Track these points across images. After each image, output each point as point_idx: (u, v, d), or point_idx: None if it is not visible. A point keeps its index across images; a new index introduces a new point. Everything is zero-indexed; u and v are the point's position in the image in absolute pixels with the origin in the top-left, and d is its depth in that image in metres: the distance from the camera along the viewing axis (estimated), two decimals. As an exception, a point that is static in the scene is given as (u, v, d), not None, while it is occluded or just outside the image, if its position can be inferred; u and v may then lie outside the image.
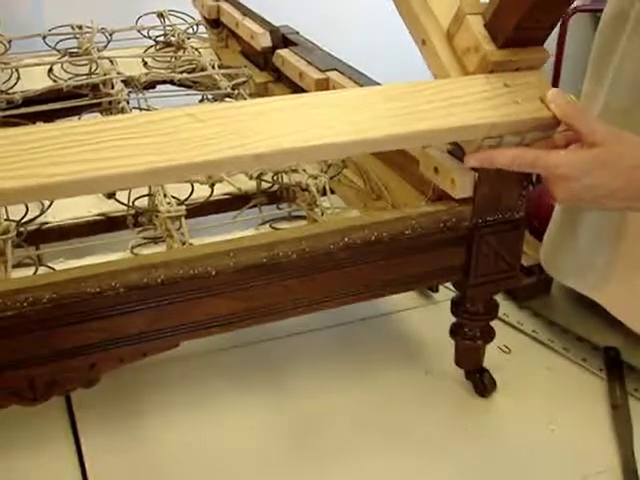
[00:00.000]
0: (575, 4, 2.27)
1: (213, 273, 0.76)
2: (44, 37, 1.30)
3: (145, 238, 0.94)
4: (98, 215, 1.01)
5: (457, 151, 0.84)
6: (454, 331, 0.95)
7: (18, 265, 0.89)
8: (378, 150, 0.80)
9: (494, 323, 0.96)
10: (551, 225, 1.11)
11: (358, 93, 0.78)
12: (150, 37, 1.40)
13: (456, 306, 0.94)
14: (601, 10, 2.00)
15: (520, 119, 0.76)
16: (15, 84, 1.19)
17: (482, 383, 0.97)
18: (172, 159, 0.65)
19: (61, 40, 1.31)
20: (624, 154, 0.75)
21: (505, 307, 1.13)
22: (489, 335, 0.95)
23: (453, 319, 0.95)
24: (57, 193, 0.65)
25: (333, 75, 1.08)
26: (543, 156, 0.76)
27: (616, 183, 0.75)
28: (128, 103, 1.16)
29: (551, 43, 2.25)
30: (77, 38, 1.33)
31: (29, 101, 1.16)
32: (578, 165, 0.75)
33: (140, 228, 0.96)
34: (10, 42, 1.30)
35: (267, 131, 0.69)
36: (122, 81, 1.19)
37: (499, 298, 0.95)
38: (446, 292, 1.10)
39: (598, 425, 0.95)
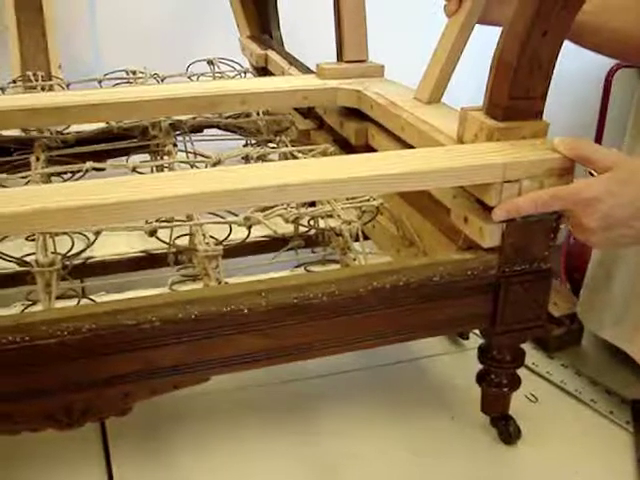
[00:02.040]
0: (619, 60, 2.28)
1: (245, 311, 0.79)
2: (100, 81, 1.36)
3: (184, 276, 0.98)
4: (140, 252, 1.06)
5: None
6: (481, 378, 0.97)
7: (62, 297, 0.93)
8: (399, 189, 0.85)
9: (522, 372, 0.97)
10: (587, 278, 1.13)
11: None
12: (200, 83, 1.45)
13: (483, 353, 0.95)
14: (646, 66, 1.98)
15: (532, 159, 0.82)
16: (69, 125, 1.25)
17: (507, 431, 0.98)
18: (202, 189, 0.73)
19: (116, 84, 1.37)
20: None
21: (534, 356, 1.14)
22: (515, 383, 0.96)
23: (481, 367, 0.97)
24: (103, 216, 0.72)
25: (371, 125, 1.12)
26: (563, 188, 0.80)
27: None
28: (175, 146, 1.21)
29: (595, 99, 2.28)
30: (130, 83, 1.38)
31: (81, 141, 1.22)
32: (599, 186, 0.78)
33: (180, 266, 1.00)
34: (68, 85, 1.36)
35: (293, 172, 0.77)
36: (170, 124, 1.24)
37: (529, 347, 0.97)
38: (476, 339, 1.11)
39: (622, 478, 0.95)
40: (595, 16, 1.01)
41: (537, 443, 0.99)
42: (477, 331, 1.05)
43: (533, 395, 1.07)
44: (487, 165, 0.81)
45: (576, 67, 2.03)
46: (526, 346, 0.96)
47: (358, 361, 1.11)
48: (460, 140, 0.90)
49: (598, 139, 2.36)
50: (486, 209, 0.85)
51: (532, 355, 1.13)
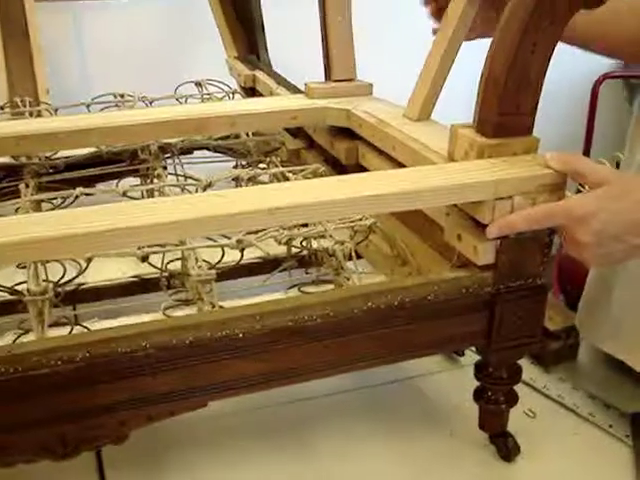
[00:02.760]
0: (606, 70, 2.30)
1: (240, 335, 0.79)
2: (88, 106, 1.36)
3: (177, 300, 0.97)
4: (132, 277, 1.05)
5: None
6: (478, 395, 0.96)
7: (55, 324, 0.92)
8: (391, 209, 0.86)
9: (519, 387, 0.96)
10: (586, 290, 1.13)
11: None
12: (188, 105, 1.45)
13: (479, 370, 0.95)
14: (632, 76, 2.03)
15: (524, 176, 0.82)
16: (57, 151, 1.24)
17: (506, 447, 0.97)
18: (195, 214, 0.73)
19: (104, 108, 1.36)
20: (633, 186, 0.78)
21: (531, 371, 1.13)
22: (512, 399, 0.96)
23: (477, 383, 0.96)
24: (93, 243, 0.71)
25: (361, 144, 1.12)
26: (556, 205, 0.80)
27: (634, 215, 0.77)
28: (165, 169, 1.20)
29: (582, 110, 2.29)
30: (119, 106, 1.38)
31: (71, 166, 1.21)
32: (592, 203, 0.78)
33: (172, 290, 0.99)
34: (56, 111, 1.36)
35: (284, 195, 0.78)
36: (159, 147, 1.24)
37: (525, 362, 0.96)
38: (472, 356, 1.10)
39: (623, 492, 0.95)
40: (604, 22, 1.02)
41: (536, 459, 0.99)
42: (473, 347, 1.04)
43: (531, 410, 1.06)
44: (479, 183, 0.81)
45: (562, 79, 2.04)
46: (522, 361, 0.95)
47: (353, 381, 1.11)
48: (451, 158, 0.90)
49: (586, 151, 2.37)
50: (479, 226, 0.85)
51: (529, 370, 1.13)
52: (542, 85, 0.85)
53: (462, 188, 0.80)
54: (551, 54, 0.84)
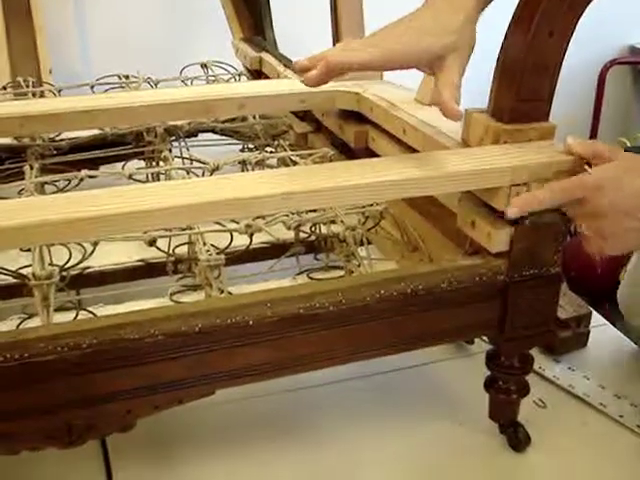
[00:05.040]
0: (613, 57, 2.28)
1: (250, 323, 0.77)
2: (92, 86, 1.34)
3: (184, 286, 0.96)
4: (138, 261, 1.03)
5: (493, 206, 0.85)
6: (488, 384, 0.95)
7: (59, 309, 0.91)
8: (407, 195, 0.84)
9: (529, 377, 0.95)
10: (629, 271, 1.12)
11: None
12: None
13: (490, 360, 0.93)
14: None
15: (541, 162, 0.81)
16: (61, 132, 1.22)
17: (516, 437, 0.96)
18: (207, 198, 0.71)
19: (108, 89, 1.34)
20: None
21: (541, 361, 1.12)
22: (524, 389, 0.94)
23: (488, 372, 0.95)
24: (101, 226, 0.70)
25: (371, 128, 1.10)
26: (567, 179, 0.79)
27: None
28: (170, 151, 1.19)
29: (589, 95, 2.27)
30: (123, 87, 1.36)
31: (75, 148, 1.19)
32: (605, 173, 0.78)
33: (179, 275, 0.98)
34: (60, 91, 1.34)
35: (298, 179, 0.76)
36: (165, 129, 1.22)
37: (535, 351, 0.95)
38: (481, 344, 1.09)
39: (634, 483, 0.94)
40: None
41: (547, 449, 0.97)
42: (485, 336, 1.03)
43: (541, 400, 1.05)
44: (495, 169, 0.79)
45: (569, 65, 2.02)
46: (532, 350, 0.94)
47: (360, 369, 1.08)
48: (465, 143, 0.89)
49: (592, 136, 2.36)
50: (494, 213, 0.83)
51: (539, 359, 1.11)
52: (559, 70, 0.83)
53: (479, 174, 0.79)
54: (569, 39, 0.82)
